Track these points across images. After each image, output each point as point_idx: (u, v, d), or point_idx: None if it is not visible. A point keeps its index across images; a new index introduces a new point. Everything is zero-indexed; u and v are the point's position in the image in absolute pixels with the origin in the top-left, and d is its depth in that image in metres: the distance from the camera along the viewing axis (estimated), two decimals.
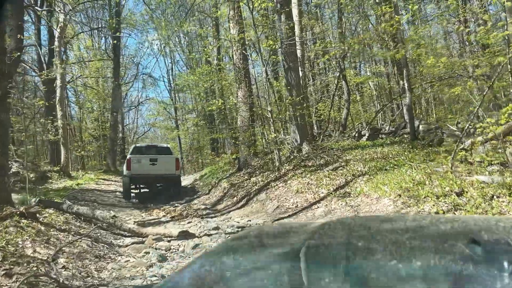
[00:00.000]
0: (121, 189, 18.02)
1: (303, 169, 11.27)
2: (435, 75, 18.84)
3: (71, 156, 20.52)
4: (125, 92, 38.12)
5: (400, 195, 7.05)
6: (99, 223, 8.98)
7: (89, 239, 7.39)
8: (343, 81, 18.49)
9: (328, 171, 10.37)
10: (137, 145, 18.71)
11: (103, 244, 7.30)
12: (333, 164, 10.81)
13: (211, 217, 10.34)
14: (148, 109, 52.84)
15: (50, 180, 18.62)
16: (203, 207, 12.05)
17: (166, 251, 7.30)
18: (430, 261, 0.98)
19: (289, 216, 8.71)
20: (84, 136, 36.30)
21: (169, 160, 15.27)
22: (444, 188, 6.69)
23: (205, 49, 19.11)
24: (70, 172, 20.57)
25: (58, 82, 19.89)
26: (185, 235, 8.09)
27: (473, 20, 21.26)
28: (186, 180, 21.35)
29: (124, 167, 15.57)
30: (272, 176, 11.90)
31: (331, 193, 9.08)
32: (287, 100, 12.58)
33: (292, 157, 12.75)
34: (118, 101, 25.69)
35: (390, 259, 1.00)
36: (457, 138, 11.98)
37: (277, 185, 10.99)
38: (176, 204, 13.18)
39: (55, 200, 10.20)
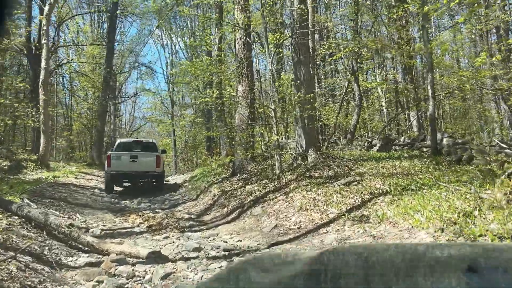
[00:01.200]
0: (102, 186, 16.44)
1: (308, 180, 9.50)
2: (456, 85, 17.21)
3: (51, 144, 18.63)
4: (121, 82, 36.36)
5: (442, 230, 5.28)
6: (54, 231, 7.20)
7: (27, 257, 5.60)
8: (355, 84, 16.76)
9: (339, 185, 8.60)
10: (122, 140, 17.85)
11: (43, 266, 5.49)
12: (344, 178, 9.04)
13: (195, 231, 8.55)
14: (146, 102, 50.93)
15: (25, 170, 16.81)
16: (187, 216, 10.26)
17: (127, 280, 5.51)
18: None
19: (290, 240, 6.93)
20: (75, 125, 34.53)
21: (149, 157, 14.96)
22: (505, 224, 4.94)
23: (206, 36, 17.37)
24: (49, 162, 18.75)
25: (43, 63, 18.10)
26: (156, 257, 6.31)
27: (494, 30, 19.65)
28: (175, 180, 19.56)
29: (105, 163, 15.44)
30: (271, 186, 10.13)
31: (344, 214, 7.31)
32: (295, 98, 10.81)
33: (295, 165, 10.99)
34: (109, 90, 23.85)
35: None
36: (487, 155, 10.29)
37: (276, 197, 9.21)
38: (157, 210, 11.39)
39: (4, 198, 8.38)
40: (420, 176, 8.74)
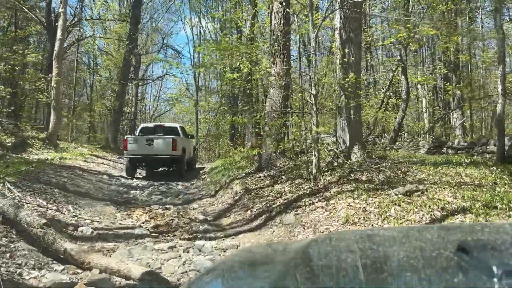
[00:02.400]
0: (113, 171, 14.96)
1: (354, 184, 7.62)
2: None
3: (61, 123, 17.12)
4: (145, 63, 34.82)
5: None
6: (29, 229, 5.52)
7: None
8: (403, 76, 14.73)
9: (397, 195, 6.70)
10: (145, 124, 17.99)
11: None
12: (402, 185, 7.13)
13: (209, 238, 6.80)
14: (172, 87, 49.42)
15: (30, 149, 15.34)
16: (201, 217, 8.50)
17: None
18: (420, 271, 0.97)
19: None
20: (96, 106, 33.20)
21: (165, 140, 14.64)
22: None
23: (236, 13, 15.55)
24: (59, 142, 17.27)
25: (58, 34, 16.57)
26: (152, 279, 4.57)
27: None
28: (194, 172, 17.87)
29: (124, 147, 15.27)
30: (306, 188, 8.27)
31: None
32: (341, 81, 8.91)
33: (336, 164, 9.10)
34: (129, 68, 22.25)
35: (380, 270, 1.00)
36: None
37: (313, 203, 7.35)
38: (168, 206, 9.69)
39: None
40: (500, 189, 6.82)
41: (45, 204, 7.63)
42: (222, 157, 20.30)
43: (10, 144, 14.81)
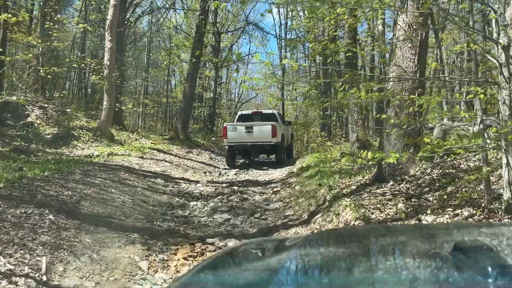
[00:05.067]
0: (174, 172, 11.60)
1: None
2: None
3: (113, 109, 13.91)
4: (225, 43, 31.43)
5: None
6: None
7: None
8: None
9: None
10: (242, 112, 18.04)
11: None
12: None
13: None
14: (257, 72, 45.86)
15: (75, 142, 12.28)
16: None
17: None
18: (416, 269, 0.97)
19: None
20: (175, 92, 30.51)
21: (265, 127, 14.59)
22: None
23: None
24: (119, 132, 14.11)
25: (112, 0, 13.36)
26: None
27: None
28: (277, 171, 13.93)
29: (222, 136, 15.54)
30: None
31: None
32: None
33: None
34: (201, 44, 18.72)
35: (376, 269, 1.00)
36: None
37: None
38: (233, 240, 5.84)
39: None
40: None
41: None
42: (313, 151, 16.18)
43: (49, 136, 11.85)
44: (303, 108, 33.13)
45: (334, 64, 20.07)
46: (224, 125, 15.72)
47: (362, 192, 6.75)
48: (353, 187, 7.17)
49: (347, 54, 9.83)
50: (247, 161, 16.30)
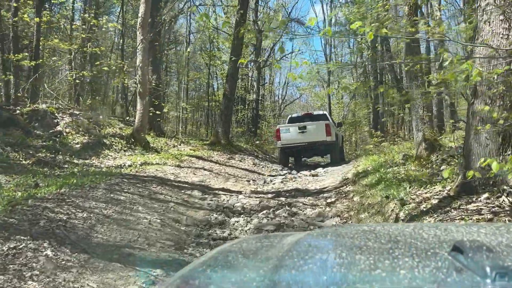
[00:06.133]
0: (213, 182, 10.40)
1: None
2: None
3: (148, 114, 12.86)
4: (266, 40, 30.12)
5: None
6: None
7: None
8: None
9: None
10: (293, 115, 17.64)
11: None
12: None
13: None
14: (301, 70, 44.28)
15: (107, 151, 11.30)
16: None
17: None
18: (414, 268, 0.98)
19: None
20: (216, 95, 29.51)
21: (317, 125, 14.57)
22: None
23: None
24: (147, 138, 13.01)
25: None
26: None
27: None
28: (329, 176, 12.46)
29: (275, 138, 15.59)
30: None
31: None
32: None
33: None
34: (242, 41, 17.44)
35: (374, 267, 1.01)
36: None
37: None
38: None
39: None
40: None
41: None
42: (368, 153, 14.58)
43: (78, 145, 10.89)
44: (351, 106, 31.44)
45: (387, 52, 18.39)
46: (277, 127, 15.69)
47: (447, 208, 5.21)
48: (433, 201, 5.62)
49: (408, 39, 8.23)
50: (295, 165, 15.92)
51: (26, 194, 5.92)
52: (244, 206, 8.44)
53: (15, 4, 13.20)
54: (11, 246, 4.14)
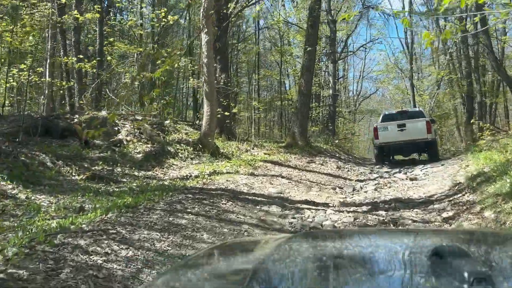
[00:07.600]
0: (292, 192, 8.70)
1: None
2: None
3: (215, 116, 11.42)
4: (343, 31, 28.02)
5: None
6: None
7: None
8: None
9: None
10: (386, 112, 17.02)
11: None
12: None
13: None
14: (378, 62, 41.40)
15: (172, 160, 10.02)
16: None
17: None
18: (394, 274, 0.98)
19: None
20: (289, 93, 27.87)
21: (418, 123, 14.09)
22: None
23: None
24: (216, 143, 11.54)
25: None
26: None
27: None
28: (432, 180, 10.34)
29: (373, 137, 15.34)
30: None
31: None
32: None
33: None
34: (317, 30, 15.56)
35: (353, 272, 0.99)
36: None
37: None
38: None
39: None
40: None
41: None
42: (475, 149, 12.25)
43: (140, 155, 9.67)
44: (438, 96, 28.54)
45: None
46: (374, 126, 15.55)
47: None
48: None
49: None
50: (387, 164, 15.18)
51: (59, 225, 4.59)
52: (336, 225, 6.70)
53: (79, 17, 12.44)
54: None
